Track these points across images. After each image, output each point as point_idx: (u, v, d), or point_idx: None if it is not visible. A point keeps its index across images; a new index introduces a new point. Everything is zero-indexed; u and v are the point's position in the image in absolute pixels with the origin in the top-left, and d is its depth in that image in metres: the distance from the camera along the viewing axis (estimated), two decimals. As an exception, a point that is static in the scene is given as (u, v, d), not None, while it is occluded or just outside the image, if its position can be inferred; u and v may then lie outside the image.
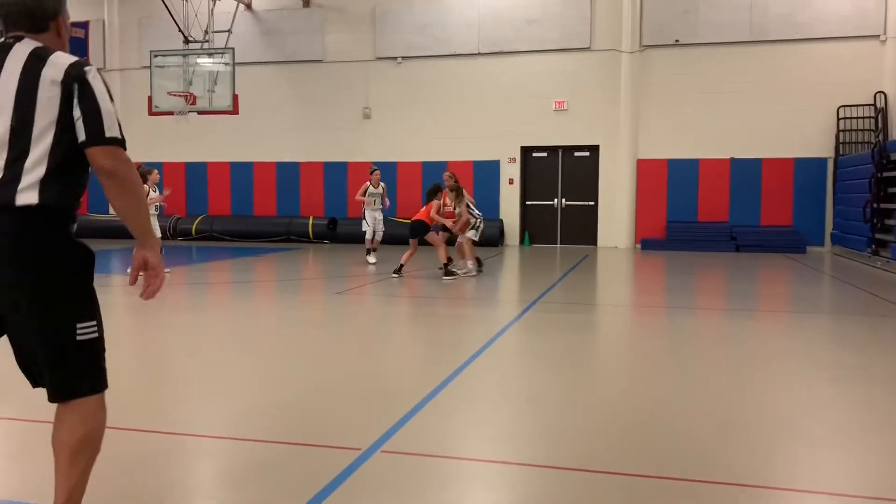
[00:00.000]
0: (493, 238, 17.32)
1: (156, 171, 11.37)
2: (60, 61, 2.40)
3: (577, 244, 17.92)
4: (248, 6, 18.89)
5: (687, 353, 6.21)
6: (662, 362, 5.85)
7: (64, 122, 2.37)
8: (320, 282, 11.32)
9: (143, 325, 7.46)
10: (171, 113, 16.14)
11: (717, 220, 17.08)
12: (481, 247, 16.57)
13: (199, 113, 16.25)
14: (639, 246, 17.38)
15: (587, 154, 17.87)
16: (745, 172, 16.88)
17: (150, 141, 19.85)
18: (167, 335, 6.92)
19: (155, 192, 11.28)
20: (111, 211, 19.56)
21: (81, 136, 2.37)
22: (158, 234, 10.97)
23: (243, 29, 18.47)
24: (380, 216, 13.10)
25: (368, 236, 13.10)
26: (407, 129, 18.50)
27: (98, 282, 2.54)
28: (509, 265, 14.04)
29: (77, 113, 2.37)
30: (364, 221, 13.10)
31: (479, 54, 18.01)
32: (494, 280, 11.65)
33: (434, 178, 13.94)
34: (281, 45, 19.17)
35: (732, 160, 16.95)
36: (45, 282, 2.36)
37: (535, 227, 18.36)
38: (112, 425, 3.95)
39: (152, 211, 10.97)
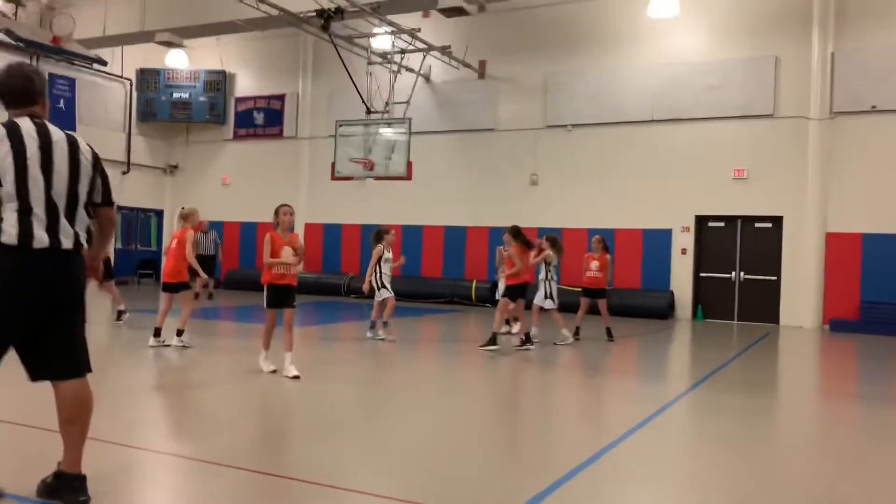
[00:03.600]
0: (662, 310, 16.57)
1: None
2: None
3: (757, 321, 16.66)
4: (427, 79, 19.88)
5: (884, 451, 5.46)
6: (852, 461, 5.18)
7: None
8: (478, 345, 11.29)
9: (310, 378, 7.78)
10: (350, 178, 17.16)
11: (923, 303, 15.24)
12: (649, 318, 15.95)
13: (376, 178, 17.14)
14: (827, 327, 15.85)
15: (769, 225, 16.76)
16: (958, 250, 15.00)
17: (331, 203, 21.20)
18: (331, 389, 7.14)
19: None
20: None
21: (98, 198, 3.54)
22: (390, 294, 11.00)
23: (420, 100, 19.40)
24: (554, 286, 11.36)
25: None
26: (574, 196, 18.37)
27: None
28: (680, 338, 13.30)
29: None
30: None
31: (653, 121, 17.64)
32: (664, 354, 11.06)
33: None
34: (455, 115, 19.91)
35: (941, 236, 15.16)
36: None
37: (710, 301, 17.34)
38: (271, 472, 4.09)
39: (386, 271, 10.98)
